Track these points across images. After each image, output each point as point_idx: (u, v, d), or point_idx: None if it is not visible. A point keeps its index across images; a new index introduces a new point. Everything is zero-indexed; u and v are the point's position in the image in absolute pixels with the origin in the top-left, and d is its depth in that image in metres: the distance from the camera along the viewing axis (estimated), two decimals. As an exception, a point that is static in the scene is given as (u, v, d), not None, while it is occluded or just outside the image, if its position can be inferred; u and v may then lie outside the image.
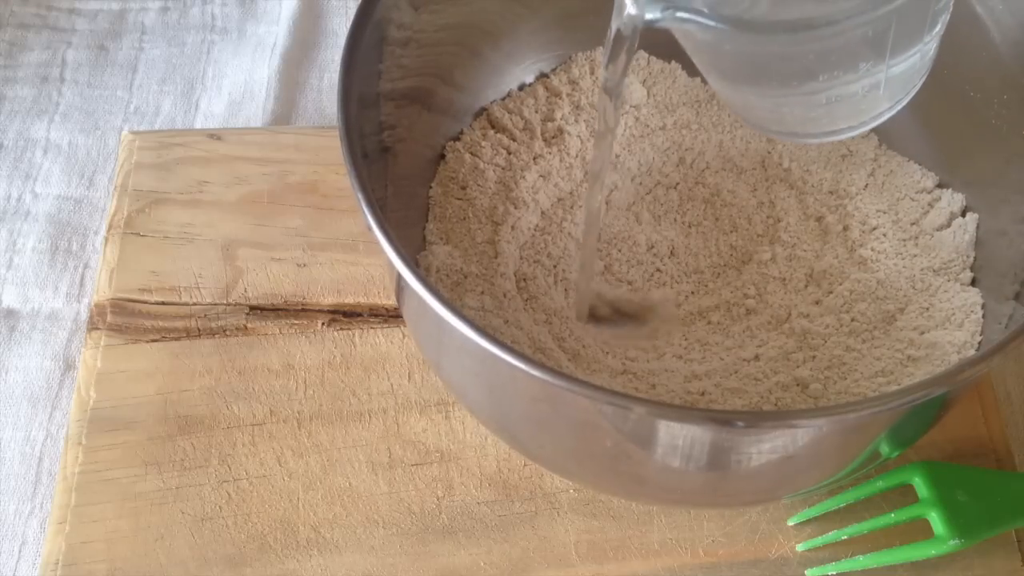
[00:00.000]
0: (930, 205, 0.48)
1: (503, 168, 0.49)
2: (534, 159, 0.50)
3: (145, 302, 0.50)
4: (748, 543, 0.44)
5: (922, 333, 0.44)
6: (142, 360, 0.48)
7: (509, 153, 0.50)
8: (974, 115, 0.46)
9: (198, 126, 0.60)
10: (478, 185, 0.48)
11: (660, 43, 0.52)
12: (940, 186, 0.49)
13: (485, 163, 0.49)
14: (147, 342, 0.49)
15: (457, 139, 0.50)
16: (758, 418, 0.35)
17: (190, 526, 0.44)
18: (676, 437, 0.34)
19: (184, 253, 0.51)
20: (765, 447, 0.34)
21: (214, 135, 0.56)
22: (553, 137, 0.50)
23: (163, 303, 0.50)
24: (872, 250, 0.47)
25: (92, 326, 0.49)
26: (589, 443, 0.37)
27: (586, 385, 0.31)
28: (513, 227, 0.47)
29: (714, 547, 0.44)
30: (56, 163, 0.58)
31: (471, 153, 0.49)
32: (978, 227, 0.47)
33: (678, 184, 0.51)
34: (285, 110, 0.61)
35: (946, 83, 0.44)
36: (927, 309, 0.45)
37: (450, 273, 0.45)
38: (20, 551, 0.46)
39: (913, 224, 0.48)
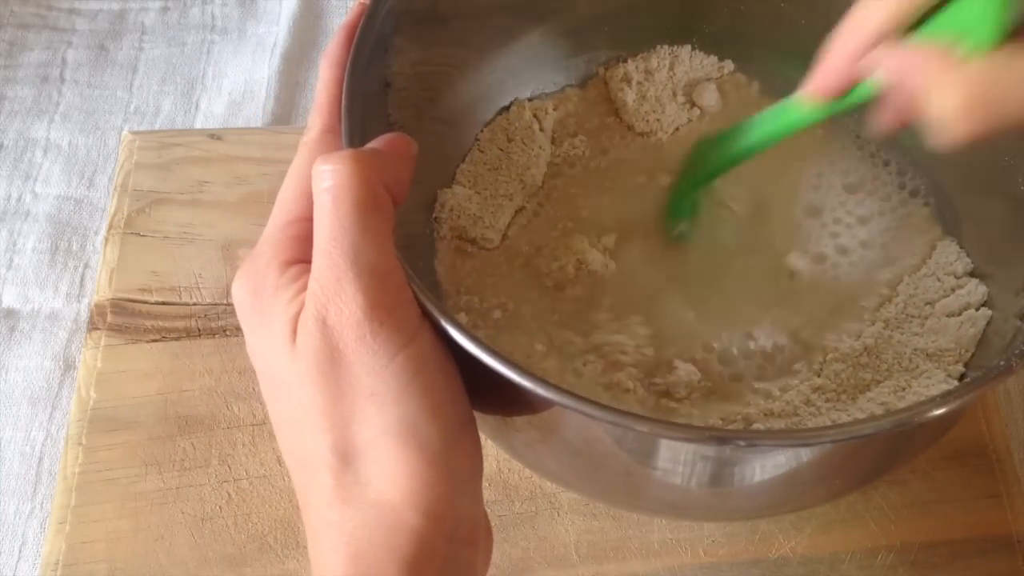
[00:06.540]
0: (952, 290, 0.44)
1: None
2: None
3: (145, 302, 0.50)
4: (748, 543, 0.44)
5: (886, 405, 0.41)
6: (142, 360, 0.48)
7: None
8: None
9: (198, 126, 0.60)
10: (523, 143, 0.48)
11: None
12: (971, 275, 0.45)
13: (539, 130, 0.49)
14: (147, 342, 0.49)
15: (530, 99, 0.50)
16: (758, 436, 0.34)
17: (190, 526, 0.44)
18: (679, 453, 0.33)
19: (184, 253, 0.51)
20: (769, 464, 0.34)
21: (214, 135, 0.56)
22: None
23: (163, 303, 0.50)
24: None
25: (92, 326, 0.49)
26: (590, 456, 0.36)
27: (583, 401, 0.30)
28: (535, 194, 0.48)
29: (714, 547, 0.44)
30: (56, 163, 0.58)
31: (535, 115, 0.49)
32: (988, 324, 0.43)
33: None
34: (285, 110, 0.61)
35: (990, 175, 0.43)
36: (902, 390, 0.42)
37: (462, 215, 0.45)
38: (20, 551, 0.46)
39: (927, 304, 0.44)
